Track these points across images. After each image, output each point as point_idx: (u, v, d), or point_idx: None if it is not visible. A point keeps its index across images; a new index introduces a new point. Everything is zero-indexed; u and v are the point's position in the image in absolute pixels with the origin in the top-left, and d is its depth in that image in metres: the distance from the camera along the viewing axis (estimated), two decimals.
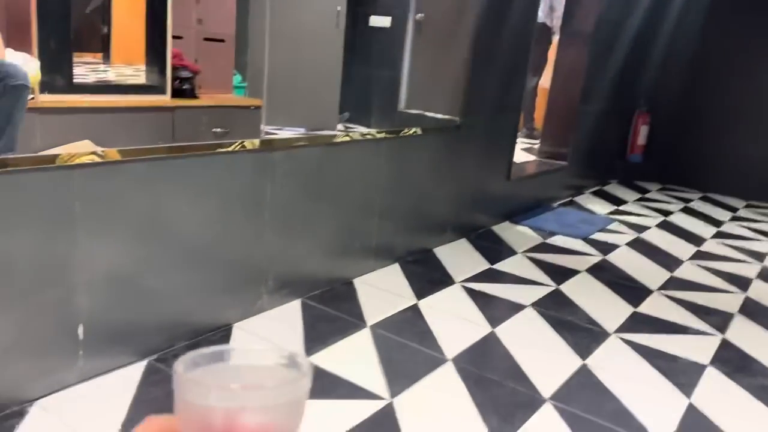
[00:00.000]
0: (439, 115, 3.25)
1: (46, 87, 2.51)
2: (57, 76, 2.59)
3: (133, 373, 1.85)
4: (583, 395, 1.97)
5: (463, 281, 2.83)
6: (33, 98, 2.38)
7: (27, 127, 2.23)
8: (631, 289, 2.93)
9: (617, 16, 4.61)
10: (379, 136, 2.78)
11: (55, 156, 1.57)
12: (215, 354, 0.37)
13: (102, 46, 3.30)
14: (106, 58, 3.32)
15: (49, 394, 1.69)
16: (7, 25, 2.50)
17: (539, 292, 2.79)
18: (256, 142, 2.16)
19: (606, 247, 3.55)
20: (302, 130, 4.07)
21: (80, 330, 1.73)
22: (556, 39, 5.29)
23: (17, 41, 2.40)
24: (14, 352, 1.60)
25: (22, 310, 1.60)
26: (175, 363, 0.35)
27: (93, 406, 1.68)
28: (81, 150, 1.67)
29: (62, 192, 1.62)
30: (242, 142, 2.08)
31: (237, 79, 3.72)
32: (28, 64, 2.34)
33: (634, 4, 4.80)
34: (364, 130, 4.15)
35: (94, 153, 1.66)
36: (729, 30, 5.02)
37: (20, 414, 1.60)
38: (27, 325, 1.61)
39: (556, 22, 5.55)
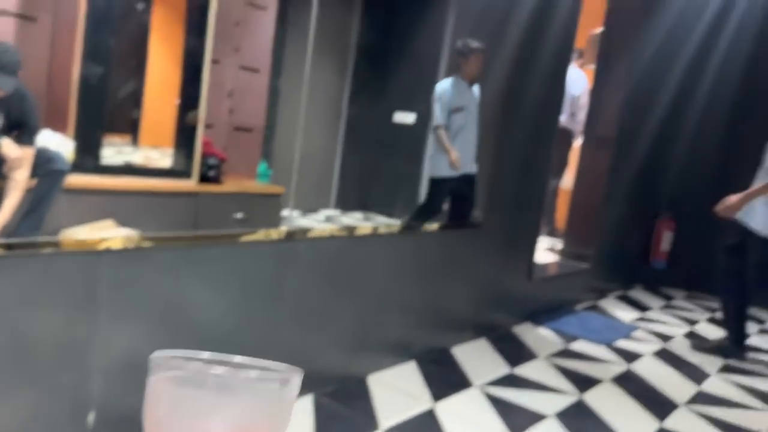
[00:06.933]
0: None
1: (76, 168, 2.55)
2: (88, 157, 2.64)
3: None
4: None
5: (482, 384, 2.72)
6: None
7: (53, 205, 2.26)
8: (656, 403, 2.78)
9: (639, 122, 4.69)
10: (399, 230, 2.77)
11: (83, 241, 1.57)
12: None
13: (131, 128, 3.39)
14: (134, 140, 3.40)
15: None
16: (47, 106, 2.59)
17: (562, 402, 2.66)
18: (282, 231, 2.15)
19: (630, 356, 3.42)
20: (323, 216, 4.18)
21: (91, 417, 1.66)
22: (577, 142, 5.38)
23: (55, 122, 2.48)
24: None
25: (36, 392, 1.55)
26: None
27: None
28: (104, 229, 1.67)
29: (88, 275, 1.60)
30: (267, 231, 2.07)
31: (262, 166, 3.80)
32: (63, 146, 2.41)
33: (657, 109, 4.89)
34: (384, 221, 4.17)
35: (121, 238, 1.65)
36: (753, 131, 5.03)
37: None
38: (39, 408, 1.56)
39: (577, 127, 5.66)
